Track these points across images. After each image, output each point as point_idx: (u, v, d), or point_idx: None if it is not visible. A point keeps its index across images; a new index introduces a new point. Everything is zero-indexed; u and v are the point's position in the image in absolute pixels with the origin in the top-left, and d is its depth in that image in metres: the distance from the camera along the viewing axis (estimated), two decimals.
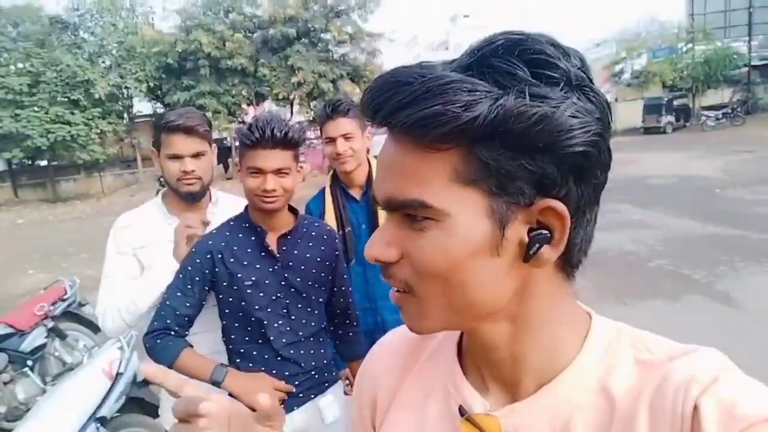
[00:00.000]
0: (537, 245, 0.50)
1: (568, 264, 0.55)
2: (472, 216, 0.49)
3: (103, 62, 24.03)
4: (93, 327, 4.50)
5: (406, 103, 0.46)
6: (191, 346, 1.62)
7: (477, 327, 0.55)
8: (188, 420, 0.58)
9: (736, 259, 6.03)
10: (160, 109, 25.90)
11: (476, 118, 0.45)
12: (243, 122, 26.46)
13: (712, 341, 0.50)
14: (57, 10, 24.04)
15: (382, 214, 2.47)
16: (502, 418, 0.56)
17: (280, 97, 23.33)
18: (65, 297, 4.30)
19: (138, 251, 1.83)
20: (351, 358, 1.90)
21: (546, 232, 0.50)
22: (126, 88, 23.67)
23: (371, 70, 23.54)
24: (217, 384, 1.55)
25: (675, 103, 25.63)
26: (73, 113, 21.36)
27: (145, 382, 2.83)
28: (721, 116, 23.77)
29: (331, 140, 2.09)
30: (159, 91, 24.60)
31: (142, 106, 27.63)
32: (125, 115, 25.36)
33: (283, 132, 1.54)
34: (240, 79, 23.38)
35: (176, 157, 1.80)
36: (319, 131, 2.27)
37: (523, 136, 0.46)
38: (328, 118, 2.09)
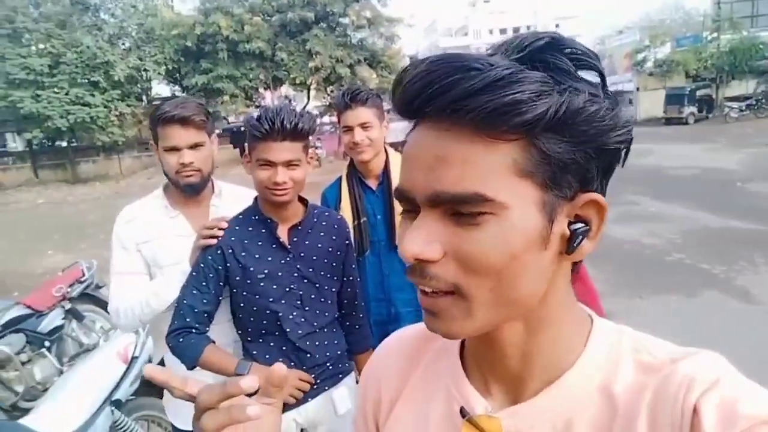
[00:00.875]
0: (580, 237, 0.51)
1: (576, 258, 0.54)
2: (527, 209, 0.48)
3: (123, 44, 24.19)
4: None
5: (478, 90, 0.45)
6: (213, 342, 1.63)
7: (502, 325, 0.55)
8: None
9: (756, 255, 5.92)
10: (179, 92, 26.06)
11: (547, 110, 0.45)
12: (260, 106, 26.68)
13: (730, 337, 0.49)
14: None
15: (398, 205, 2.46)
16: (504, 419, 0.56)
17: (297, 81, 23.34)
18: (83, 279, 4.36)
19: (141, 246, 1.80)
20: (358, 351, 1.89)
21: (586, 225, 0.51)
22: (145, 70, 23.81)
23: (389, 55, 23.45)
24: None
25: (698, 93, 25.13)
26: (92, 95, 21.56)
27: (161, 365, 2.86)
28: (744, 108, 23.28)
29: (349, 129, 2.08)
30: (177, 74, 24.73)
31: (161, 89, 27.85)
32: (144, 98, 25.55)
33: (293, 123, 1.52)
34: (258, 63, 23.40)
35: (173, 149, 1.75)
36: (336, 117, 2.25)
37: (584, 130, 0.47)
38: (346, 106, 2.07)
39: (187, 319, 1.60)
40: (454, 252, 0.49)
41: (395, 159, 2.19)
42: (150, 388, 2.79)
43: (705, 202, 8.73)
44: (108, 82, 22.16)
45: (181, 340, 1.60)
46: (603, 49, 39.67)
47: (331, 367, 1.76)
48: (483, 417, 0.57)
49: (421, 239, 0.49)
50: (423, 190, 0.49)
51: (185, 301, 1.62)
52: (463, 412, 0.58)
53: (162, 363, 2.83)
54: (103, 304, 4.56)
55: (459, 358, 0.64)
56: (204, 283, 1.63)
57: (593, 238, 0.52)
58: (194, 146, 1.76)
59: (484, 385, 0.60)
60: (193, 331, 1.60)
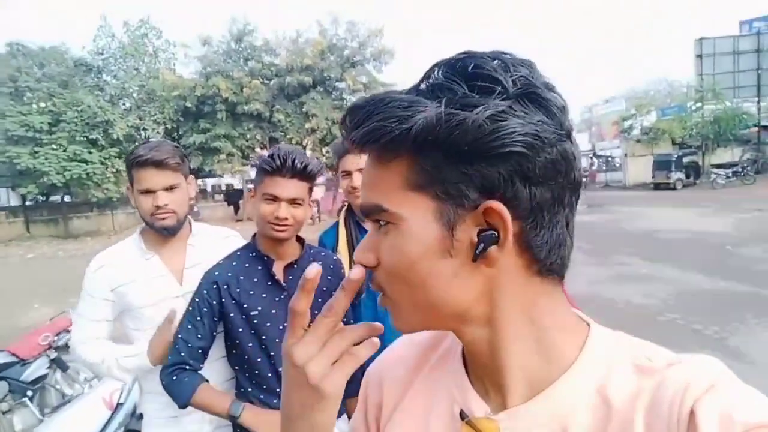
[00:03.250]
0: (482, 245, 0.52)
1: (544, 268, 0.54)
2: (423, 219, 0.53)
3: (124, 104, 24.75)
4: None
5: (356, 123, 0.53)
6: (207, 381, 1.61)
7: (457, 330, 0.58)
8: None
9: (748, 316, 5.91)
10: None
11: (410, 130, 0.50)
12: (260, 156, 26.88)
13: None
14: (82, 53, 24.91)
15: None
16: (502, 421, 0.57)
17: (294, 142, 23.76)
18: (70, 328, 4.27)
19: (115, 290, 1.79)
20: (349, 395, 1.84)
21: (494, 232, 0.51)
22: (144, 129, 24.23)
23: None
24: (233, 419, 1.54)
25: (685, 160, 25.77)
26: (90, 152, 21.81)
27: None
28: (731, 174, 23.83)
29: (348, 174, 2.11)
30: (176, 133, 25.15)
31: None
32: None
33: (303, 164, 1.58)
34: (255, 123, 23.92)
35: (148, 191, 1.75)
36: (332, 174, 2.28)
37: (451, 142, 0.49)
38: (345, 152, 2.11)
39: (182, 355, 1.60)
40: (380, 259, 0.57)
41: None
42: None
43: (696, 265, 8.78)
44: (106, 140, 22.47)
45: (174, 378, 1.58)
46: (591, 116, 40.91)
47: None
48: (482, 419, 0.58)
49: (364, 248, 0.58)
50: (359, 205, 0.59)
51: (180, 336, 1.62)
52: (462, 415, 0.59)
53: None
54: None
55: (462, 362, 0.64)
56: (198, 318, 1.62)
57: (502, 245, 0.51)
58: (169, 188, 1.77)
59: (484, 388, 0.61)
60: (187, 367, 1.59)
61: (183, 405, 1.57)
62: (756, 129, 27.23)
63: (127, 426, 2.64)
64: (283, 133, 24.04)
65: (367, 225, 0.52)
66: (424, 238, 0.53)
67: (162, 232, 1.81)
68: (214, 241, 1.80)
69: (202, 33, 24.91)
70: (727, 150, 28.07)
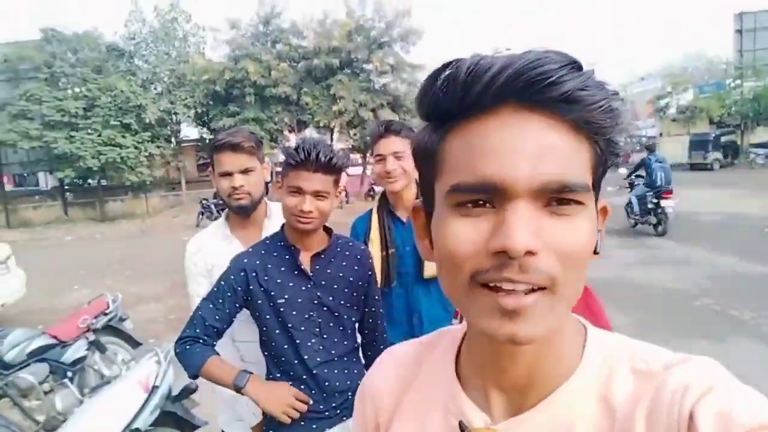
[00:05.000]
0: (598, 240, 0.52)
1: None
2: (593, 204, 0.52)
3: (155, 89, 25.06)
4: (132, 341, 4.62)
5: (591, 87, 0.47)
6: (218, 355, 1.66)
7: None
8: None
9: None
10: (206, 134, 26.79)
11: (614, 110, 0.49)
12: (285, 148, 27.04)
13: (758, 385, 0.49)
14: (114, 38, 25.26)
15: None
16: (503, 431, 0.55)
17: (321, 124, 23.79)
18: (107, 311, 4.43)
19: (209, 272, 1.94)
20: None
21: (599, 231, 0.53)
22: (175, 113, 24.57)
23: (411, 100, 23.81)
24: (238, 390, 1.58)
25: (722, 139, 24.96)
26: (124, 136, 22.27)
27: (179, 397, 2.87)
28: None
29: (382, 158, 2.09)
30: (205, 117, 25.42)
31: (189, 131, 28.60)
32: (173, 139, 26.26)
33: (328, 157, 1.58)
34: (283, 106, 23.99)
35: (226, 174, 1.89)
36: (359, 157, 2.28)
37: (614, 131, 0.50)
38: (380, 136, 2.09)
39: (197, 330, 1.65)
40: (553, 244, 0.47)
41: None
42: (169, 419, 2.79)
43: (732, 247, 8.55)
44: (139, 125, 22.89)
45: (187, 347, 1.64)
46: (624, 95, 39.81)
47: (351, 397, 1.74)
48: (483, 430, 0.57)
49: (528, 231, 0.46)
50: (528, 180, 0.47)
51: (200, 312, 1.67)
52: (461, 426, 0.58)
53: (187, 391, 2.84)
54: (125, 337, 4.61)
55: (455, 372, 0.63)
56: (221, 301, 1.67)
57: (601, 241, 0.53)
58: (245, 171, 1.90)
59: (484, 397, 0.59)
60: (200, 341, 1.65)
61: (193, 374, 1.63)
62: None
63: (162, 407, 2.73)
64: (311, 116, 24.07)
65: (518, 204, 0.47)
66: (595, 224, 0.51)
67: (238, 212, 1.95)
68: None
69: (230, 16, 25.02)
70: (767, 129, 27.06)
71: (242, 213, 1.95)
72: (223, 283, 1.69)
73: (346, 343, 1.75)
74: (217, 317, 1.67)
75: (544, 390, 0.55)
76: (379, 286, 1.94)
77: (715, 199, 14.65)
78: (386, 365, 0.74)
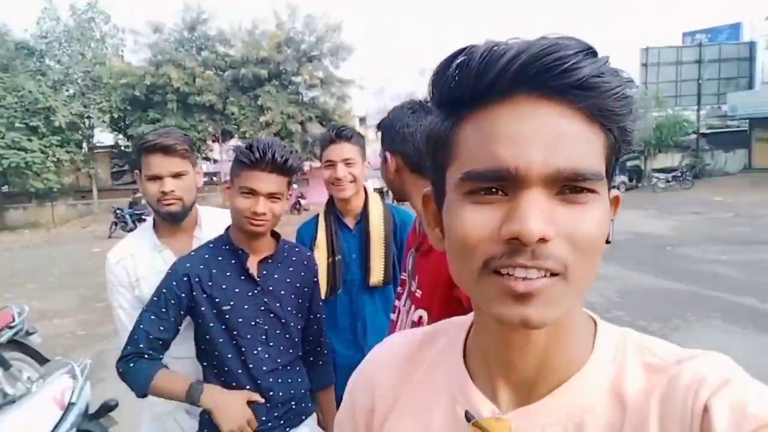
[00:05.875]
0: (610, 230, 0.52)
1: None
2: (606, 193, 0.51)
3: (67, 90, 23.73)
4: (39, 357, 4.25)
5: (606, 73, 0.47)
6: (166, 368, 1.57)
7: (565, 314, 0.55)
8: None
9: (689, 314, 6.20)
10: (122, 141, 25.58)
11: (628, 98, 0.49)
12: (208, 158, 26.47)
13: None
14: (24, 36, 23.71)
15: (375, 245, 2.35)
16: (513, 421, 0.54)
17: (247, 135, 23.36)
18: (12, 324, 4.07)
19: (133, 284, 1.80)
20: (320, 387, 1.84)
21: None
22: (88, 117, 23.35)
23: (340, 114, 23.96)
24: (194, 402, 1.50)
25: (628, 164, 26.79)
26: (30, 140, 20.85)
27: (97, 415, 2.68)
28: (671, 179, 24.91)
29: (332, 164, 2.05)
30: (122, 123, 24.31)
31: (104, 137, 27.23)
32: (84, 145, 24.87)
33: (284, 158, 1.53)
34: (207, 115, 23.38)
35: (155, 177, 1.75)
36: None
37: (629, 120, 0.50)
38: (330, 141, 2.06)
39: (141, 345, 1.54)
40: (565, 231, 0.47)
41: (374, 199, 2.18)
42: None
43: (640, 264, 9.14)
44: (48, 128, 21.55)
45: (131, 365, 1.54)
46: None
47: (294, 407, 1.70)
48: (490, 420, 0.55)
49: (542, 218, 0.46)
50: (542, 167, 0.46)
51: (141, 326, 1.56)
52: (468, 416, 0.56)
53: (105, 408, 2.65)
54: (32, 352, 4.25)
55: (463, 363, 0.62)
56: (164, 310, 1.57)
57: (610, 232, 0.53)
58: (176, 175, 1.76)
59: (491, 388, 0.58)
60: (145, 357, 1.54)
61: (141, 393, 1.53)
62: (695, 135, 28.56)
63: (79, 426, 2.53)
64: (236, 126, 23.61)
65: (532, 191, 0.47)
66: (608, 213, 0.51)
67: (167, 219, 1.80)
68: (221, 229, 1.74)
69: (153, 20, 24.08)
70: (668, 155, 29.30)
71: (171, 220, 1.81)
72: (164, 290, 1.59)
73: (291, 351, 1.70)
74: (162, 327, 1.56)
75: (553, 381, 0.54)
76: (324, 293, 1.90)
77: (624, 219, 15.66)
78: (385, 354, 0.72)
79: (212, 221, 1.91)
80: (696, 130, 28.49)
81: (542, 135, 0.47)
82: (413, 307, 1.42)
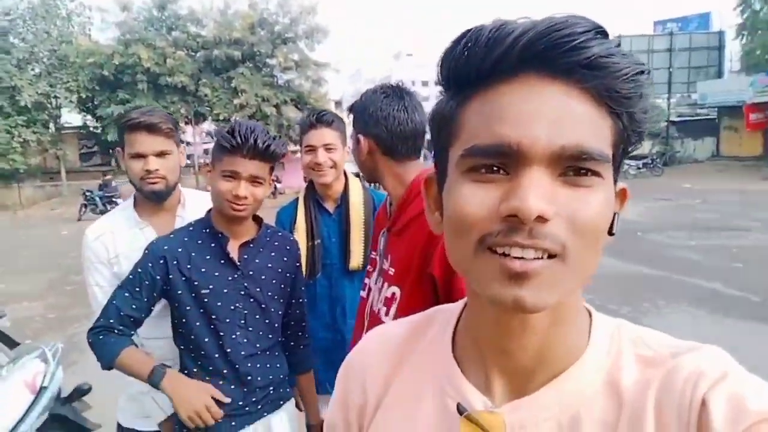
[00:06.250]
0: (615, 221, 0.52)
1: None
2: (611, 179, 0.50)
3: (33, 69, 22.96)
4: (8, 341, 4.12)
5: (614, 54, 0.46)
6: (135, 345, 1.56)
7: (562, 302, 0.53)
8: None
9: (658, 297, 6.37)
10: (91, 122, 24.92)
11: (642, 83, 0.48)
12: (181, 141, 25.95)
13: None
14: None
15: (355, 229, 2.35)
16: (507, 414, 0.53)
17: (221, 118, 22.98)
18: None
19: (113, 261, 1.78)
20: (300, 371, 1.84)
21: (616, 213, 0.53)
22: (55, 97, 22.67)
23: (315, 98, 23.70)
24: (155, 385, 1.49)
25: None
26: None
27: (70, 399, 2.63)
28: (641, 166, 25.34)
29: (312, 149, 2.04)
30: (91, 103, 23.67)
31: (72, 118, 26.50)
32: (51, 125, 24.17)
33: (266, 144, 1.51)
34: (180, 96, 22.91)
35: (139, 155, 1.73)
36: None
37: (638, 108, 0.49)
38: (311, 126, 2.04)
39: (111, 320, 1.54)
40: (566, 212, 0.46)
41: (354, 184, 2.18)
42: (58, 422, 2.53)
43: (611, 249, 9.26)
44: (13, 108, 20.89)
45: (101, 337, 1.53)
46: None
47: (272, 392, 1.69)
48: (483, 413, 0.54)
49: (541, 196, 0.45)
50: (546, 144, 0.45)
51: (114, 302, 1.55)
52: (460, 409, 0.55)
53: (78, 392, 2.60)
54: (0, 336, 4.12)
55: (452, 353, 0.60)
56: (137, 289, 1.55)
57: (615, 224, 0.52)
58: (160, 154, 1.74)
59: (484, 380, 0.57)
60: (115, 331, 1.54)
61: (107, 366, 1.53)
62: (665, 124, 29.11)
63: (51, 410, 2.48)
64: (209, 108, 23.20)
65: (533, 169, 0.45)
66: (612, 200, 0.50)
67: (151, 197, 1.79)
68: (204, 210, 1.72)
69: None
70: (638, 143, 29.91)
71: (155, 199, 1.79)
72: (140, 270, 1.56)
73: (270, 336, 1.68)
74: (134, 306, 1.55)
75: (549, 373, 0.53)
76: (303, 276, 1.89)
77: None
78: (377, 342, 0.71)
79: (196, 202, 1.90)
80: (666, 118, 29.00)
81: (547, 113, 0.46)
82: (386, 284, 1.45)
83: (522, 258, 0.45)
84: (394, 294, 1.41)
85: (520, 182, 0.46)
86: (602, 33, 0.47)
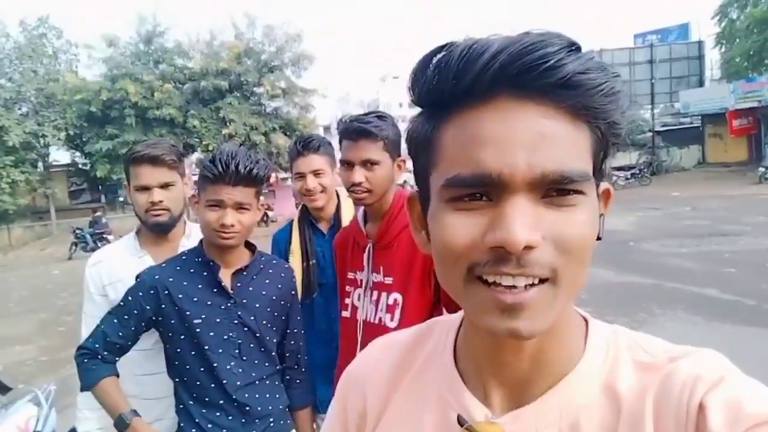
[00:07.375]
0: (600, 226, 0.52)
1: None
2: (594, 192, 0.50)
3: (20, 109, 22.96)
4: (1, 387, 4.05)
5: (589, 70, 0.45)
6: (116, 376, 1.56)
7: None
8: None
9: (653, 306, 6.37)
10: (79, 158, 24.88)
11: (616, 93, 0.47)
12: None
13: None
14: None
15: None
16: (507, 424, 0.53)
17: (210, 148, 22.98)
18: None
19: (107, 287, 1.80)
20: (298, 407, 1.79)
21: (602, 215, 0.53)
22: (43, 136, 22.61)
23: (304, 124, 23.79)
24: (120, 429, 1.49)
25: None
26: None
27: None
28: (630, 176, 25.56)
29: (301, 176, 2.09)
30: (79, 140, 23.64)
31: (60, 155, 26.45)
32: (40, 164, 24.11)
33: (248, 168, 1.50)
34: (168, 129, 22.91)
35: (143, 188, 1.76)
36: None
37: (616, 114, 0.48)
38: (298, 154, 2.09)
39: (97, 345, 1.55)
40: (552, 235, 0.45)
41: (346, 203, 2.22)
42: None
43: (604, 260, 9.32)
44: (1, 148, 20.80)
45: (86, 360, 1.55)
46: None
47: (272, 424, 1.65)
48: (484, 424, 0.54)
49: (527, 225, 0.44)
50: (526, 172, 0.45)
51: (102, 327, 1.57)
52: (460, 420, 0.55)
53: None
54: None
55: (454, 365, 0.61)
56: (126, 317, 1.56)
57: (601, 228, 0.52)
58: (164, 186, 1.77)
59: (483, 390, 0.57)
60: (99, 357, 1.54)
61: (85, 389, 1.55)
62: (650, 134, 29.40)
63: None
64: (198, 140, 23.20)
65: (516, 197, 0.45)
66: (597, 212, 0.50)
67: (155, 229, 1.82)
68: None
69: (107, 33, 23.50)
70: (626, 154, 30.07)
71: (159, 231, 1.82)
72: (130, 298, 1.56)
73: (267, 364, 1.66)
74: (120, 334, 1.55)
75: (546, 382, 0.54)
76: (300, 296, 1.90)
77: None
78: (378, 352, 0.70)
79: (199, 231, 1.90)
80: (651, 129, 29.32)
81: (525, 137, 0.45)
82: (383, 294, 1.55)
83: (513, 287, 0.45)
84: (396, 300, 1.51)
85: (504, 211, 0.45)
86: (576, 49, 0.46)
